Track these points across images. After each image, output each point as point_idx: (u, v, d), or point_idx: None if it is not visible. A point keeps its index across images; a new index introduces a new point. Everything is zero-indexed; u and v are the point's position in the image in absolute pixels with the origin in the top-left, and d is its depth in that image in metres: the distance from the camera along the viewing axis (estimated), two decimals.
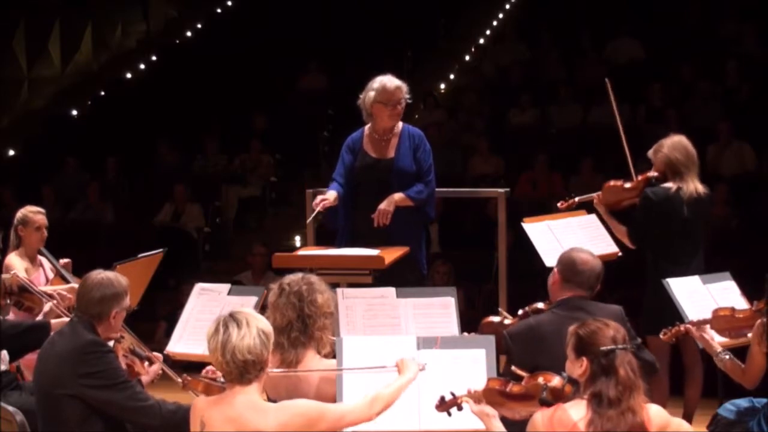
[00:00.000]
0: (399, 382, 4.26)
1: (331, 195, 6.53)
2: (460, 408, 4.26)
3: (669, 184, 6.36)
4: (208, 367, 4.66)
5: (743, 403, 5.34)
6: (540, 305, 5.21)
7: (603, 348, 3.92)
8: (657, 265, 6.34)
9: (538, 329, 4.90)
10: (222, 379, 4.21)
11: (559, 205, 6.68)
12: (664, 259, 6.30)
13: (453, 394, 4.27)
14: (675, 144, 6.43)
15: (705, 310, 5.54)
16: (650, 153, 6.50)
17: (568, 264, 5.05)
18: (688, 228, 6.32)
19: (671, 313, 5.82)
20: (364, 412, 4.15)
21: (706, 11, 14.75)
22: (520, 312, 5.29)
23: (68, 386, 4.66)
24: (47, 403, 4.75)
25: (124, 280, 4.88)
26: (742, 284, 5.89)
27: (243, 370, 3.97)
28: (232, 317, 4.02)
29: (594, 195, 6.58)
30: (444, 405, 4.29)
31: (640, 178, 6.45)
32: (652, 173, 6.42)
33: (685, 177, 6.34)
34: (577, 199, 6.64)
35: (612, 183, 6.53)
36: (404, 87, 6.60)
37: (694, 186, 6.35)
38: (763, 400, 5.23)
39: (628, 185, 6.47)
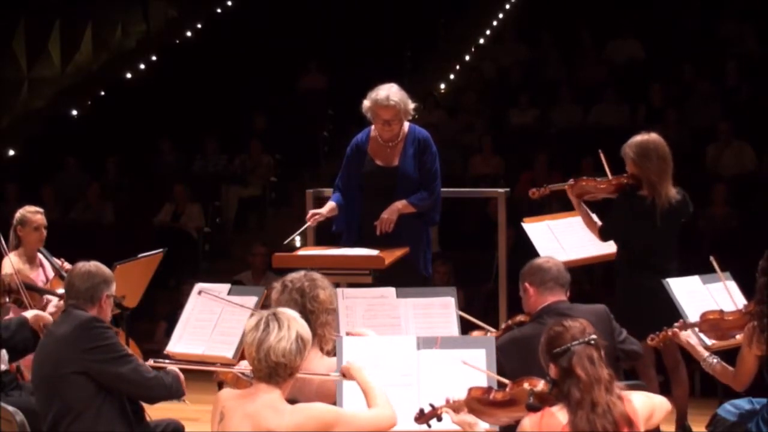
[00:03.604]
0: (369, 379, 4.25)
1: (326, 208, 6.53)
2: (439, 419, 4.23)
3: (644, 193, 6.23)
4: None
5: (743, 403, 5.33)
6: (521, 317, 5.21)
7: (556, 350, 3.93)
8: (631, 271, 6.26)
9: (524, 340, 4.88)
10: (251, 374, 4.21)
11: (530, 194, 6.62)
12: (639, 265, 6.23)
13: (432, 406, 4.25)
14: (644, 149, 6.23)
15: (704, 311, 5.53)
16: (622, 153, 6.33)
17: (533, 270, 5.09)
18: (661, 236, 6.23)
19: (648, 315, 5.85)
20: (388, 417, 4.16)
21: (706, 11, 14.76)
22: (502, 325, 5.28)
23: (73, 363, 4.79)
24: (52, 387, 4.84)
25: (106, 268, 5.09)
26: (742, 284, 5.88)
27: (273, 371, 3.99)
28: (276, 316, 4.04)
29: (565, 185, 6.50)
30: (423, 417, 4.26)
31: (614, 181, 6.35)
32: (626, 179, 6.29)
33: (657, 187, 6.19)
34: (549, 188, 6.58)
35: (585, 180, 6.49)
36: (400, 106, 6.41)
37: (667, 196, 6.19)
38: (763, 401, 5.22)
39: (601, 185, 6.41)
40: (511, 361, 4.72)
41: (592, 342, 3.95)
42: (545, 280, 5.04)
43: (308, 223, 6.48)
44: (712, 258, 5.72)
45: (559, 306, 4.99)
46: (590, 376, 3.87)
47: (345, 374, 4.32)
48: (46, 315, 5.64)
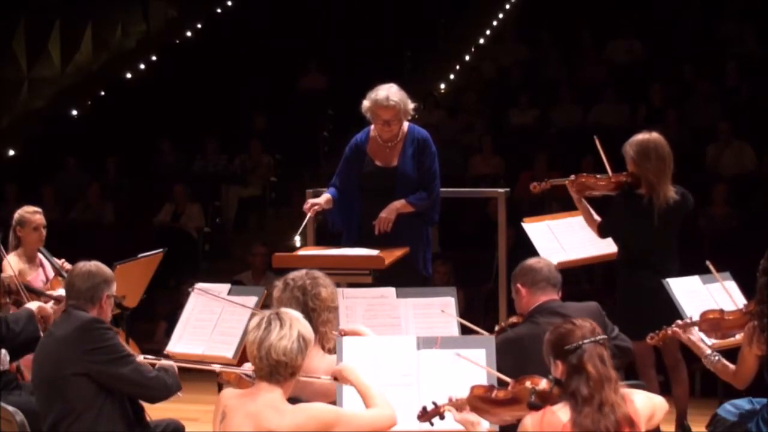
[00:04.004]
0: (364, 380, 4.25)
1: (323, 198, 6.53)
2: (442, 417, 4.24)
3: (642, 191, 6.22)
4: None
5: (743, 403, 5.33)
6: (514, 319, 5.21)
7: (567, 346, 3.94)
8: (630, 271, 6.26)
9: (518, 341, 4.91)
10: (254, 374, 4.22)
11: (531, 187, 6.61)
12: (638, 264, 6.22)
13: (435, 404, 4.25)
14: (644, 149, 6.21)
15: (704, 310, 5.52)
16: (623, 150, 6.32)
17: (525, 271, 5.10)
18: (659, 235, 6.23)
19: (648, 314, 5.85)
20: (388, 417, 4.16)
21: (706, 11, 14.76)
22: (496, 328, 5.30)
23: (74, 365, 4.80)
24: (53, 388, 4.84)
25: (107, 268, 5.10)
26: (742, 284, 5.88)
27: (274, 369, 3.99)
28: (278, 316, 4.06)
29: (566, 180, 6.49)
30: (426, 415, 4.27)
31: (613, 179, 6.33)
32: (625, 177, 6.27)
33: (656, 187, 6.17)
34: (550, 182, 6.57)
35: (585, 177, 6.48)
36: (400, 106, 6.41)
37: (665, 196, 6.17)
38: (763, 401, 5.22)
39: (601, 182, 6.40)
40: (506, 361, 4.72)
41: (602, 342, 3.97)
42: (537, 280, 5.05)
43: (308, 215, 6.47)
44: (708, 263, 5.72)
45: (550, 305, 5.01)
46: (601, 374, 3.89)
47: (337, 377, 4.30)
48: (47, 307, 5.68)
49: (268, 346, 3.98)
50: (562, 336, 3.98)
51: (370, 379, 4.27)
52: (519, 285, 5.10)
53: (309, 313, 4.63)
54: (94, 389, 4.81)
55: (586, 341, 3.93)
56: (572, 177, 6.46)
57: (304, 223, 6.54)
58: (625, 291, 6.30)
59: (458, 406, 4.20)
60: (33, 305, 5.71)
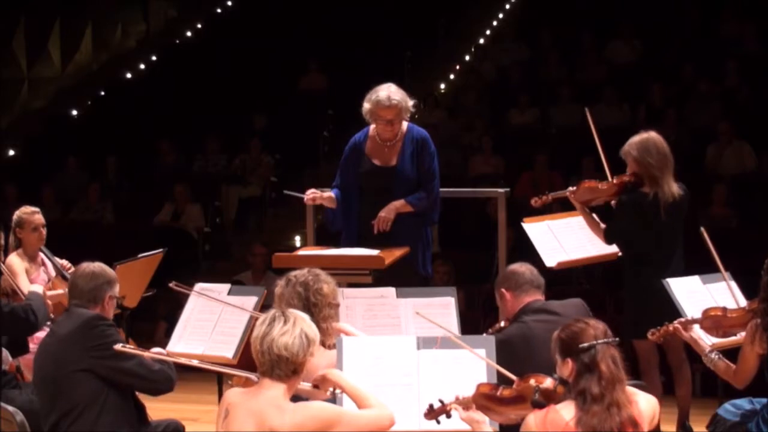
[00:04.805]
0: (354, 383, 4.26)
1: (326, 193, 6.55)
2: (448, 415, 4.25)
3: (646, 189, 6.21)
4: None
5: (743, 403, 5.32)
6: (501, 324, 5.21)
7: (582, 345, 3.94)
8: (637, 270, 6.24)
9: (508, 341, 4.90)
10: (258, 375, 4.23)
11: (532, 202, 6.59)
12: (645, 263, 6.21)
13: (441, 402, 4.27)
14: (644, 145, 6.21)
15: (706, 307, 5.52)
16: (622, 153, 6.32)
17: (507, 276, 5.13)
18: (666, 232, 6.22)
19: (654, 314, 5.83)
20: (388, 417, 4.17)
21: (706, 11, 14.76)
22: (484, 335, 5.30)
23: (79, 362, 4.83)
24: (56, 386, 4.87)
25: (110, 269, 5.14)
26: (741, 284, 5.87)
27: (275, 364, 4.02)
28: (283, 314, 4.10)
29: (566, 192, 6.46)
30: (432, 413, 4.28)
31: (615, 181, 6.30)
32: (628, 177, 6.26)
33: (660, 181, 6.17)
34: (551, 196, 6.56)
35: (587, 183, 6.46)
36: (402, 104, 6.42)
37: (670, 190, 6.18)
38: (763, 401, 5.22)
39: (603, 186, 6.37)
40: (500, 363, 4.73)
41: (614, 343, 3.98)
42: (521, 283, 5.07)
43: (305, 198, 6.52)
44: (705, 238, 5.67)
45: (535, 303, 5.03)
46: (613, 374, 3.90)
47: (319, 385, 4.29)
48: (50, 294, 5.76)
49: (270, 341, 4.02)
50: (575, 334, 3.98)
51: (356, 381, 4.29)
52: (503, 290, 5.11)
53: (310, 308, 4.67)
54: (97, 386, 4.83)
55: (599, 341, 3.94)
56: (572, 188, 6.43)
57: (300, 196, 6.53)
58: (632, 290, 6.29)
59: (464, 404, 4.21)
60: (39, 289, 5.77)
